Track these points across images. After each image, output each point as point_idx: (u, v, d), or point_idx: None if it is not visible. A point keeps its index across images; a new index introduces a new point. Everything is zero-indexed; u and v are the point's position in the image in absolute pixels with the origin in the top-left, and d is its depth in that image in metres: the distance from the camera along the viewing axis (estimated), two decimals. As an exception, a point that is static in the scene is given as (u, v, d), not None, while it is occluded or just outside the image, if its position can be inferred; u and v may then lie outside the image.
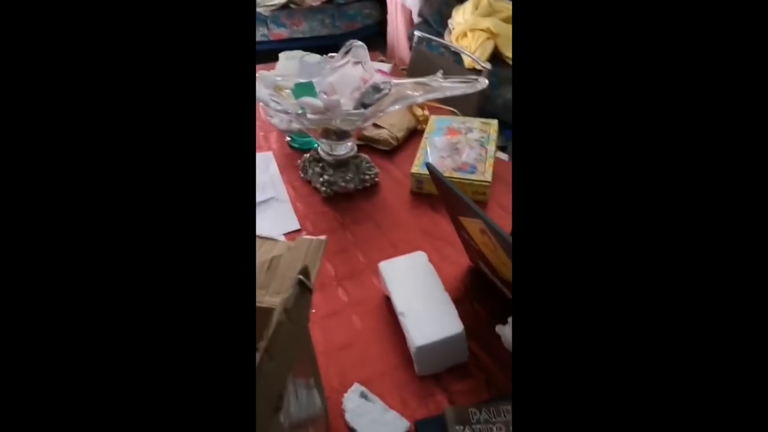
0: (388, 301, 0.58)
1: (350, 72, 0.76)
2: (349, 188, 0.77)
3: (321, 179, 0.77)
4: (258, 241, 0.42)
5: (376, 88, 0.72)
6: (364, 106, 0.70)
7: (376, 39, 2.93)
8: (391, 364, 0.52)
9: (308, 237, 0.42)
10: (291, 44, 2.68)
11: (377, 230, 0.71)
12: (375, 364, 0.53)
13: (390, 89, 0.71)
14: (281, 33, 2.74)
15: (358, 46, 0.77)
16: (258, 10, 2.74)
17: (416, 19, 2.49)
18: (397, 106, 0.69)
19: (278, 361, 0.23)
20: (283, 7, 2.75)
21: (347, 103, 0.71)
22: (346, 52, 0.78)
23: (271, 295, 0.38)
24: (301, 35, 2.77)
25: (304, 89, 0.72)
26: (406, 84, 0.73)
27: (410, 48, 2.46)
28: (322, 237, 0.43)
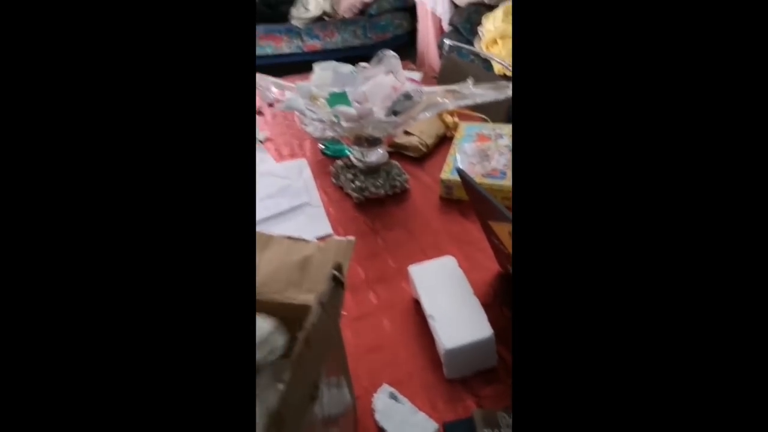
0: (417, 304, 0.59)
1: (382, 81, 0.78)
2: (380, 194, 0.78)
3: (353, 185, 0.79)
4: (290, 242, 0.44)
5: (407, 96, 0.74)
6: (396, 113, 0.72)
7: (406, 48, 2.96)
8: (420, 367, 0.53)
9: (338, 238, 0.44)
10: (324, 55, 2.75)
11: (407, 235, 0.72)
12: (404, 366, 0.53)
13: (421, 97, 0.73)
14: (315, 45, 2.82)
15: (390, 56, 0.79)
16: (293, 22, 2.83)
17: (446, 27, 2.50)
18: (427, 114, 0.71)
19: (315, 351, 0.25)
20: (317, 19, 2.83)
21: (379, 111, 0.73)
22: (379, 62, 0.80)
23: (303, 293, 0.39)
24: (334, 46, 2.83)
25: (338, 98, 0.74)
26: (437, 92, 0.74)
27: (440, 56, 2.47)
28: (351, 238, 0.44)
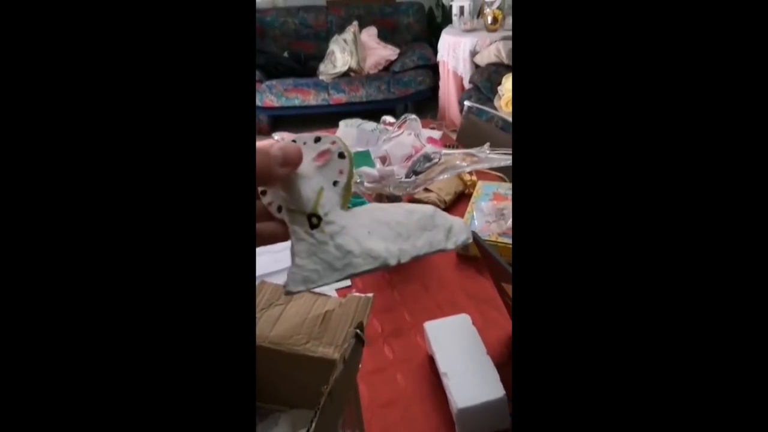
0: (431, 361, 0.60)
1: (404, 141, 0.84)
2: (398, 248, 0.82)
3: (372, 239, 0.83)
4: (313, 297, 0.47)
5: (426, 157, 0.79)
6: (416, 173, 0.77)
7: (428, 103, 3.11)
8: (433, 425, 0.54)
9: (357, 294, 0.47)
10: (349, 107, 2.91)
11: (423, 290, 0.75)
12: (417, 424, 0.54)
13: (440, 158, 0.78)
14: (340, 98, 2.98)
15: (413, 119, 0.86)
16: (321, 77, 3.02)
17: (467, 85, 2.63)
18: (446, 175, 0.75)
19: (335, 404, 0.27)
20: (344, 75, 3.02)
21: (399, 170, 0.78)
22: (402, 124, 0.86)
23: (324, 346, 0.42)
24: (358, 100, 2.99)
25: (362, 158, 0.80)
26: (455, 154, 0.79)
27: (460, 111, 2.58)
28: (370, 295, 0.47)
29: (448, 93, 2.81)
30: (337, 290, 0.76)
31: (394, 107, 2.98)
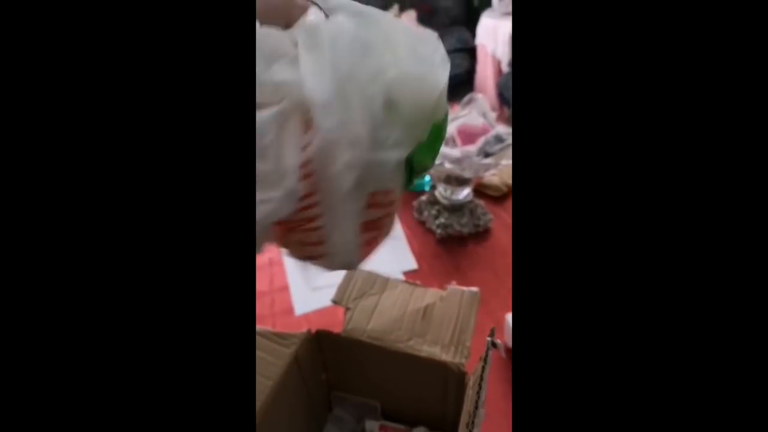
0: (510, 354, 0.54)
1: (472, 122, 0.76)
2: (463, 232, 0.75)
3: (437, 221, 0.75)
4: (409, 288, 0.41)
5: (498, 138, 0.70)
6: (487, 155, 0.69)
7: (463, 87, 2.97)
8: None
9: (459, 288, 0.40)
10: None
11: (494, 277, 0.68)
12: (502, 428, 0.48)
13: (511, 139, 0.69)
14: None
15: (479, 99, 0.77)
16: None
17: (505, 69, 2.48)
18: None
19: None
20: (382, 58, 2.90)
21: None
22: (468, 103, 0.78)
23: (428, 344, 0.36)
24: (395, 83, 2.86)
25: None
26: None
27: (498, 94, 2.44)
28: (474, 289, 0.41)
29: (485, 77, 2.66)
30: (405, 273, 0.69)
31: (430, 91, 2.85)
